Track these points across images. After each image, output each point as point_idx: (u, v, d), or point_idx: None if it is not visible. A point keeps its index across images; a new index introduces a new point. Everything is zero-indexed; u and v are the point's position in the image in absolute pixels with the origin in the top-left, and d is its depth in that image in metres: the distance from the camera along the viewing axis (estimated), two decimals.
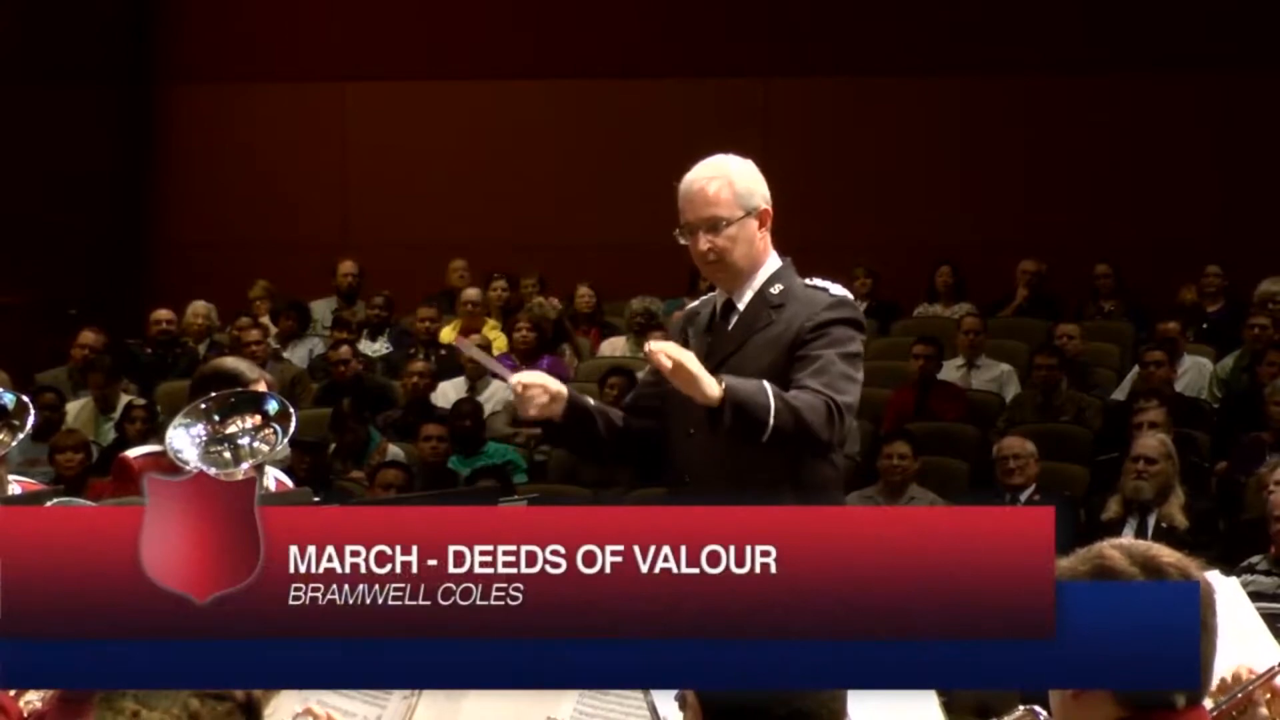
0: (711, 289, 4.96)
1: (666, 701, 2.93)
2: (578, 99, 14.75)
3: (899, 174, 14.07)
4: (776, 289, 4.78)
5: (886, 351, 12.21)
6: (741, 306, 4.79)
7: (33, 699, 3.65)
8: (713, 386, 4.46)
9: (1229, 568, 5.91)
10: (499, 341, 12.59)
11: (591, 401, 4.93)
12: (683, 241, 4.80)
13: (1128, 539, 2.99)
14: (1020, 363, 11.74)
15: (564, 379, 5.03)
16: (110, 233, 15.42)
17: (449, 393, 11.58)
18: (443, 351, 12.53)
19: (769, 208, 4.80)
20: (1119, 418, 10.25)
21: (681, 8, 14.67)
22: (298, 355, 13.13)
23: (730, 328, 4.78)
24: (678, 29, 14.62)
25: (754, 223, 4.76)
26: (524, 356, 11.81)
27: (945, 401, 11.05)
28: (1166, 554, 2.84)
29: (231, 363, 5.55)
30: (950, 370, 11.49)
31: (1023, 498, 9.18)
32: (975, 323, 11.96)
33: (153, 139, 15.83)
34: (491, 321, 13.06)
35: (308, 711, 3.54)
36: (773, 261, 4.83)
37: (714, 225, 4.73)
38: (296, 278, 14.25)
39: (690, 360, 4.49)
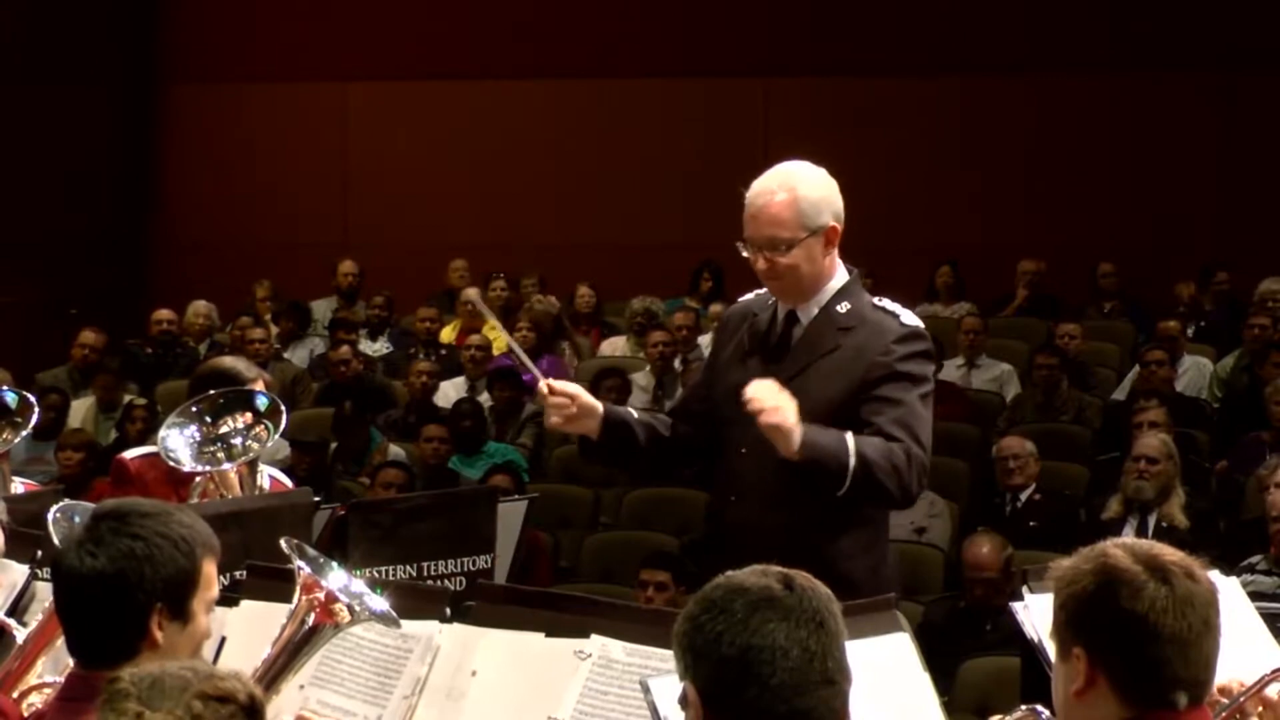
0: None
1: (668, 700, 2.93)
2: (578, 99, 14.75)
3: (899, 174, 14.06)
4: (844, 308, 4.56)
5: None
6: (806, 323, 4.57)
7: (34, 700, 3.66)
8: (796, 441, 4.26)
9: (1229, 568, 5.90)
10: (499, 341, 12.59)
11: (634, 413, 4.74)
12: (745, 254, 4.57)
13: (1130, 539, 2.98)
14: (1020, 362, 11.75)
15: (564, 379, 4.92)
16: (111, 232, 15.42)
17: (450, 393, 11.58)
18: (443, 351, 12.54)
19: (839, 224, 4.56)
20: (1119, 417, 10.25)
21: (682, 8, 14.67)
22: (298, 355, 13.13)
23: (793, 345, 4.56)
24: (678, 29, 14.62)
25: (819, 242, 4.52)
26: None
27: (946, 401, 11.04)
28: (1169, 553, 2.84)
29: (229, 362, 5.56)
30: (951, 370, 11.49)
31: (1023, 497, 9.18)
32: (975, 322, 11.96)
33: (153, 139, 15.84)
34: (491, 321, 13.05)
35: (300, 718, 3.56)
36: (840, 276, 4.61)
37: (774, 245, 4.50)
38: (297, 278, 14.26)
39: (787, 413, 4.26)
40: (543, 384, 4.57)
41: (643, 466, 4.99)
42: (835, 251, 4.60)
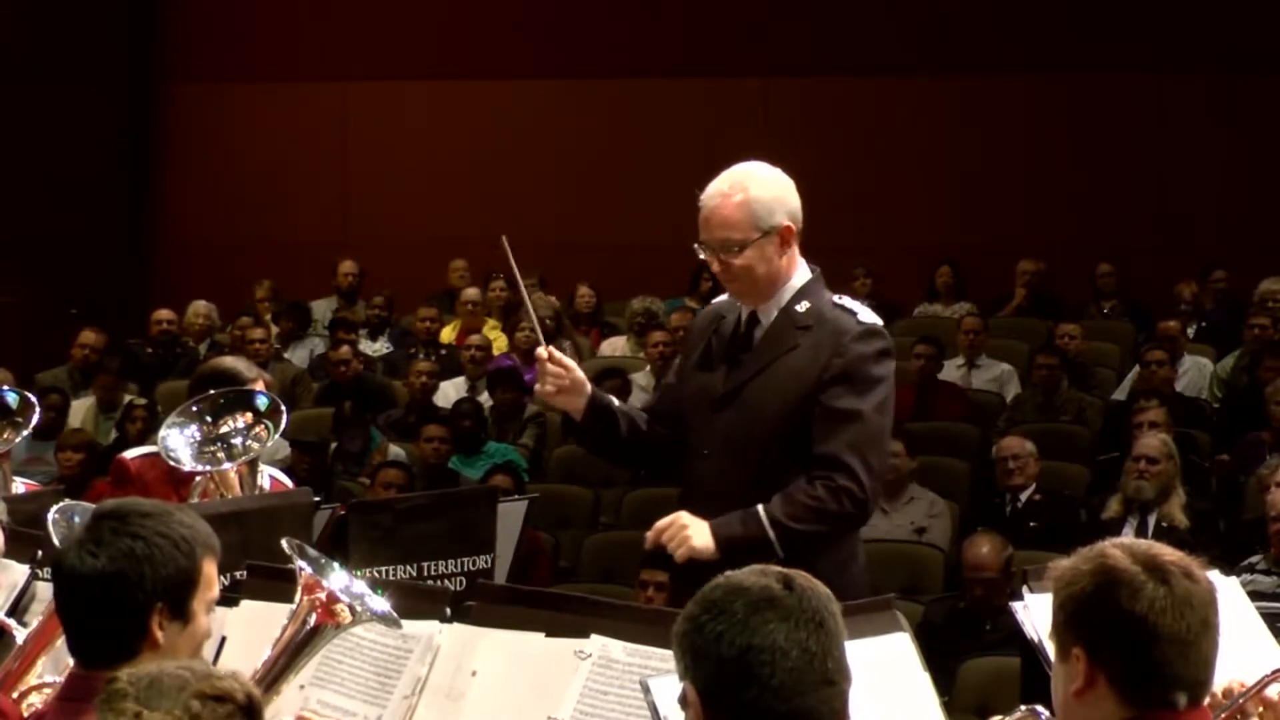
0: None
1: (668, 700, 2.93)
2: (578, 99, 14.75)
3: (899, 174, 14.07)
4: (803, 306, 4.54)
5: None
6: (766, 324, 4.57)
7: (34, 701, 3.66)
8: (711, 548, 4.34)
9: (1229, 568, 5.90)
10: (499, 341, 12.60)
11: (616, 402, 4.80)
12: (702, 256, 4.59)
13: (1129, 539, 2.98)
14: (1021, 362, 11.74)
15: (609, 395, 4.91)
16: (111, 232, 15.42)
17: (450, 393, 11.58)
18: (443, 351, 12.54)
19: (794, 224, 4.53)
20: (1119, 417, 10.25)
21: (682, 8, 14.67)
22: (298, 355, 13.13)
23: (754, 346, 4.57)
24: (678, 29, 14.62)
25: (773, 242, 4.50)
26: (525, 356, 11.82)
27: (946, 401, 11.05)
28: (1168, 554, 2.84)
29: (229, 362, 5.56)
30: (951, 370, 11.50)
31: (1023, 497, 9.18)
32: (975, 322, 11.96)
33: (153, 139, 15.84)
34: (492, 321, 13.06)
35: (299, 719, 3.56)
36: (800, 275, 4.58)
37: (727, 247, 4.49)
38: (297, 278, 14.26)
39: (692, 536, 4.36)
40: (542, 349, 4.62)
41: (621, 457, 5.01)
42: (794, 251, 4.57)
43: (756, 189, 4.53)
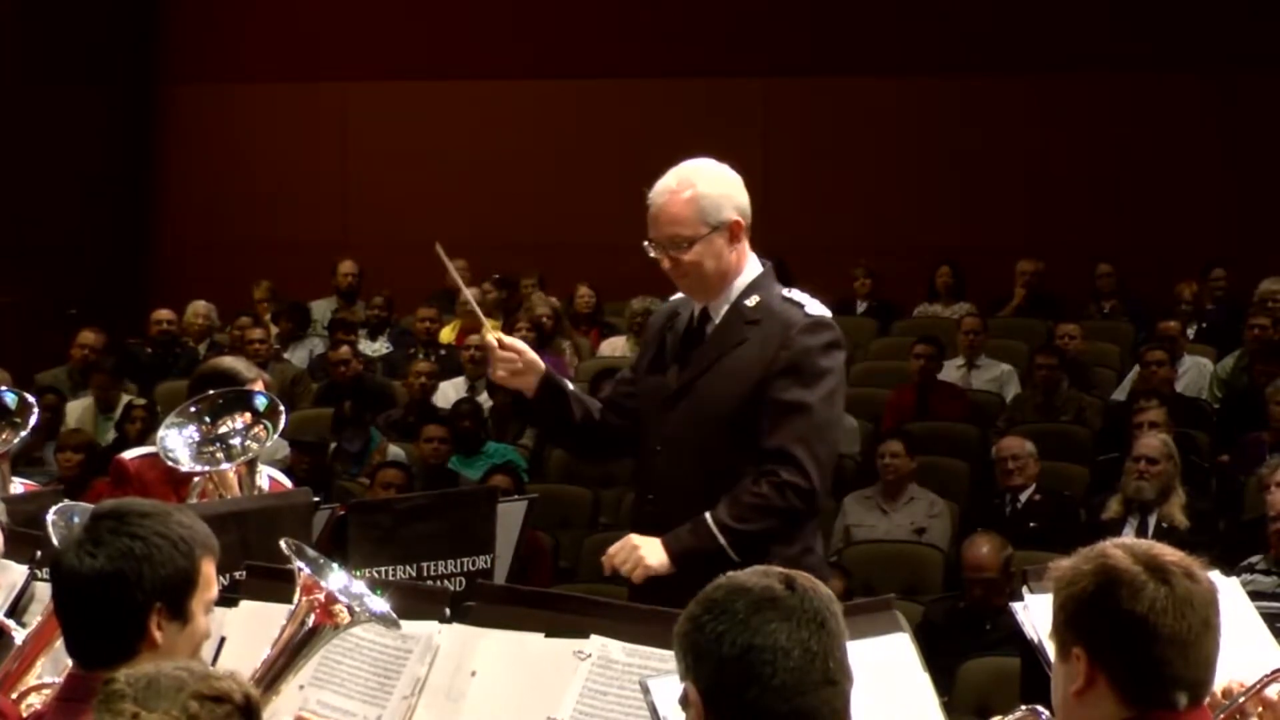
0: None
1: (668, 701, 2.93)
2: (577, 99, 14.75)
3: (899, 174, 14.06)
4: (753, 300, 4.54)
5: (886, 351, 12.21)
6: (716, 319, 4.58)
7: (33, 701, 3.65)
8: (666, 564, 4.35)
9: (1229, 568, 5.90)
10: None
11: (570, 386, 4.80)
12: (652, 255, 4.59)
13: (1129, 539, 2.98)
14: (1020, 362, 11.74)
15: (564, 378, 4.92)
16: (111, 233, 15.42)
17: (449, 393, 11.57)
18: (443, 352, 12.53)
19: (742, 219, 4.54)
20: (1119, 418, 10.25)
21: (682, 8, 14.67)
22: (298, 356, 13.13)
23: (704, 342, 4.58)
24: (677, 29, 14.61)
25: (723, 237, 4.51)
26: None
27: (945, 401, 11.05)
28: (1169, 554, 2.84)
29: (229, 362, 5.56)
30: (950, 370, 11.49)
31: (1023, 498, 9.18)
32: (975, 323, 11.96)
33: (153, 139, 15.84)
34: (491, 321, 13.04)
35: (299, 719, 3.56)
36: (750, 269, 4.59)
37: (677, 244, 4.51)
38: (297, 278, 14.25)
39: (646, 556, 4.36)
40: (493, 337, 4.65)
41: (572, 439, 5.00)
42: (744, 246, 4.58)
43: (704, 185, 4.55)
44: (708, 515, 4.39)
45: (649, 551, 4.39)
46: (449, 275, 4.82)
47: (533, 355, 4.67)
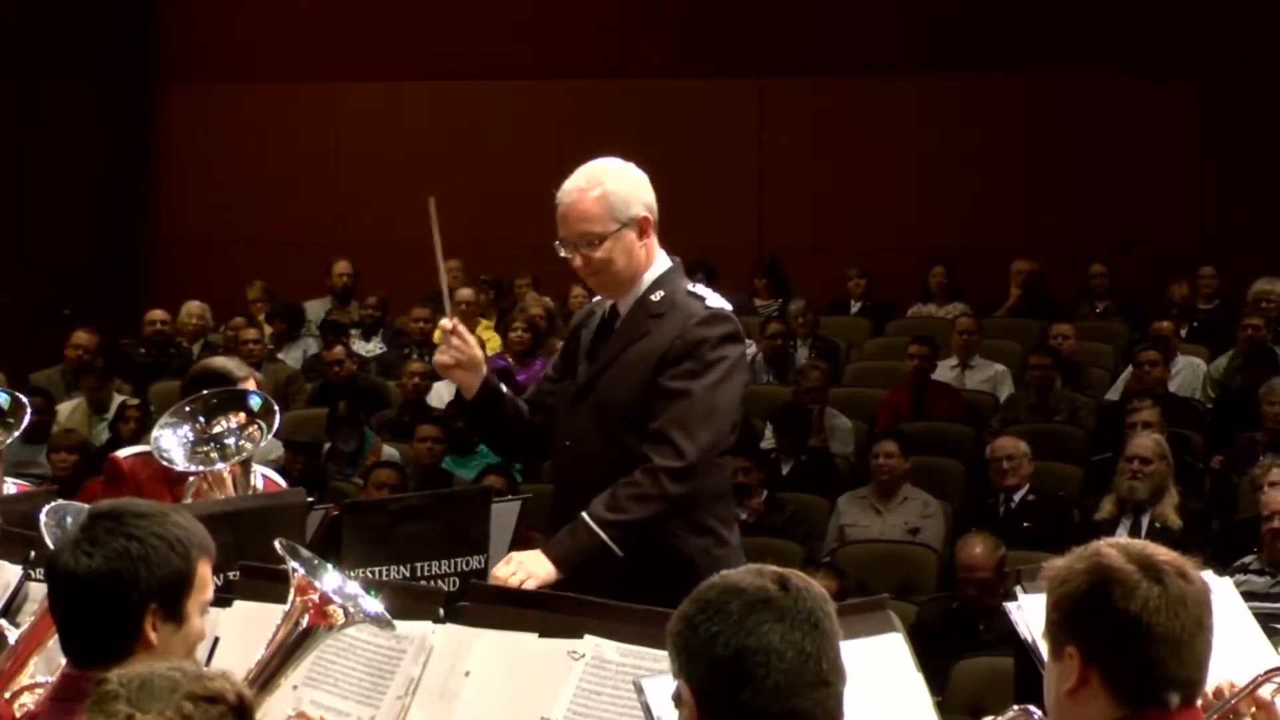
0: None
1: (661, 701, 2.93)
2: (575, 99, 14.74)
3: (893, 174, 14.07)
4: (658, 296, 4.59)
5: (881, 351, 12.21)
6: (624, 314, 4.64)
7: (26, 701, 3.65)
8: (554, 571, 4.32)
9: (1222, 568, 5.91)
10: (493, 342, 12.59)
11: (504, 388, 4.83)
12: (562, 254, 4.66)
13: (1123, 539, 2.98)
14: (1014, 363, 11.75)
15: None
16: (105, 232, 15.42)
17: (443, 393, 11.57)
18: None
19: (650, 214, 4.62)
20: (1113, 418, 10.25)
21: (680, 8, 14.67)
22: (292, 356, 13.13)
23: (611, 337, 4.63)
24: (675, 29, 14.62)
25: (632, 233, 4.58)
26: (519, 357, 11.83)
27: (939, 401, 11.06)
28: (1163, 553, 2.84)
29: (221, 362, 5.55)
30: (944, 370, 11.50)
31: (1016, 498, 9.18)
32: (969, 323, 11.96)
33: (148, 139, 15.83)
34: (485, 322, 13.06)
35: (301, 715, 3.55)
36: (658, 265, 4.64)
37: (588, 241, 4.58)
38: (291, 278, 14.24)
39: (532, 567, 4.33)
40: (446, 321, 4.69)
41: (503, 442, 5.03)
42: (652, 242, 4.64)
43: (613, 183, 4.65)
44: (584, 514, 4.40)
45: (533, 565, 4.36)
46: (433, 237, 4.80)
47: (479, 353, 4.71)
